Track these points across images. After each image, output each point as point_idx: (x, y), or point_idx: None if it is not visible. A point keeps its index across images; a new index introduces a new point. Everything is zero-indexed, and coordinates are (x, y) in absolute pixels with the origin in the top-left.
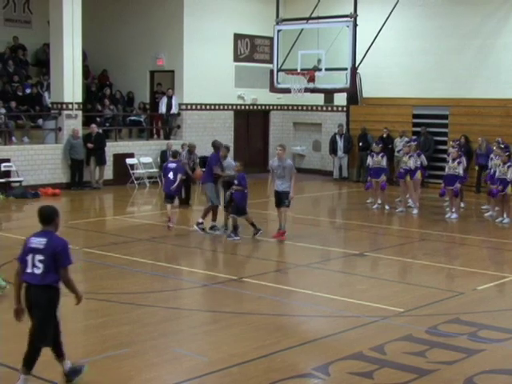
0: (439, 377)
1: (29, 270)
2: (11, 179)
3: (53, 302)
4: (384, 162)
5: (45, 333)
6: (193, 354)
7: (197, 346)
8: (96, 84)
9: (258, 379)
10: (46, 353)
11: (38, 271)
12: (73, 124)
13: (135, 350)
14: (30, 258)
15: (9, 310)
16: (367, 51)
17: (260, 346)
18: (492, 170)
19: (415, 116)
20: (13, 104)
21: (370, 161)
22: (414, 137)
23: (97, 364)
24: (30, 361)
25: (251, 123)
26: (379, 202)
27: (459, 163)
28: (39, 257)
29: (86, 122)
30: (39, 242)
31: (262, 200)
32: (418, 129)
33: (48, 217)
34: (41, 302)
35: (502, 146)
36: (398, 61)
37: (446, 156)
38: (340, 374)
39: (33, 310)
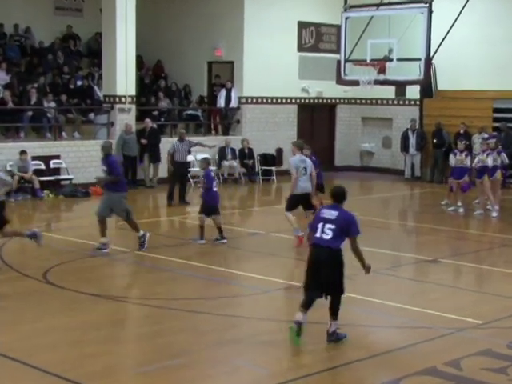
0: None
1: (318, 235)
2: (61, 177)
3: (338, 260)
4: (468, 162)
5: (339, 284)
6: (252, 366)
7: (257, 356)
8: (150, 76)
9: None
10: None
11: (326, 237)
12: (126, 118)
13: (190, 360)
14: (320, 225)
15: (57, 315)
16: (443, 40)
17: (325, 357)
18: None
19: (495, 110)
20: (63, 97)
21: (452, 159)
22: (494, 133)
23: (149, 375)
24: (336, 310)
25: (316, 118)
26: (459, 203)
27: None
28: (329, 225)
29: (140, 117)
30: (331, 214)
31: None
32: (498, 124)
33: (342, 195)
34: (329, 262)
35: None
36: (477, 50)
37: None
38: None
39: (321, 268)
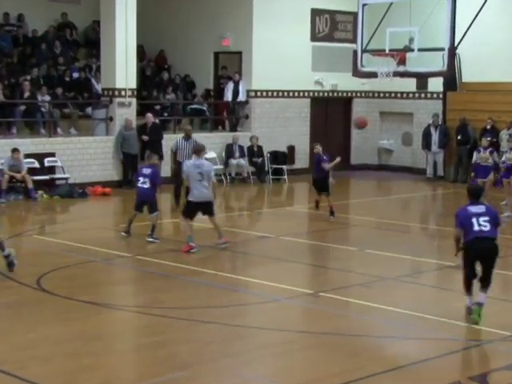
0: None
1: (476, 229)
2: (56, 176)
3: (498, 248)
4: (492, 159)
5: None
6: (260, 379)
7: (265, 369)
8: (152, 67)
9: None
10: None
11: (485, 229)
12: (126, 113)
13: (194, 373)
14: (474, 220)
15: (52, 325)
16: (468, 28)
17: (339, 371)
18: None
19: None
20: (58, 90)
21: (476, 157)
22: None
23: None
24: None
25: (330, 113)
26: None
27: None
28: (483, 218)
29: (141, 111)
30: (479, 208)
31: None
32: None
33: (480, 192)
34: (495, 250)
35: None
36: (505, 39)
37: None
38: None
39: (486, 257)
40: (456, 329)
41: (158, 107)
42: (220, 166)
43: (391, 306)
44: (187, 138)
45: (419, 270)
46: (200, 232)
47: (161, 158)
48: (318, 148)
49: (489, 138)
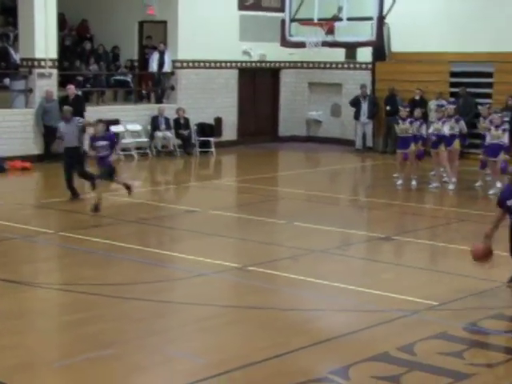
0: (479, 381)
1: None
2: None
3: None
4: (414, 129)
5: None
6: (187, 356)
7: (193, 345)
8: (74, 37)
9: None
10: None
11: None
12: (46, 85)
13: (120, 351)
14: None
15: None
16: None
17: (267, 345)
18: None
19: (453, 74)
20: None
21: (396, 128)
22: (452, 99)
23: (74, 368)
24: None
25: (258, 84)
26: (413, 176)
27: (504, 130)
28: None
29: (63, 83)
30: None
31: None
32: (456, 89)
33: None
34: None
35: None
36: (433, 9)
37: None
38: (362, 379)
39: None
40: (384, 300)
41: (80, 78)
42: (145, 139)
43: (320, 279)
44: (66, 120)
45: (348, 242)
46: (126, 207)
47: (84, 130)
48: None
49: (408, 109)
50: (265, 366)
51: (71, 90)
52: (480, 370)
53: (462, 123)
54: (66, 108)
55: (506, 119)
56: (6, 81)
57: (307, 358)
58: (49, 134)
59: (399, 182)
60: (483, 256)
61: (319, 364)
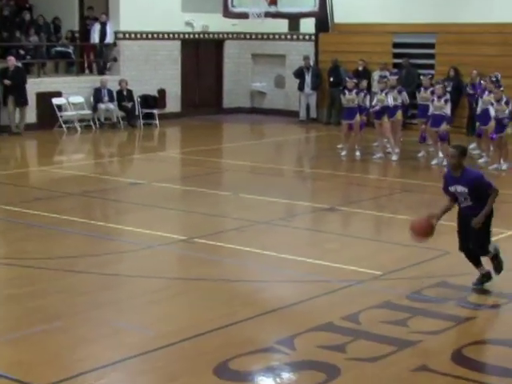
0: (423, 349)
1: None
2: None
3: None
4: (360, 100)
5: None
6: (135, 328)
7: (140, 318)
8: (11, 7)
9: (213, 355)
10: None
11: None
12: None
13: (66, 323)
14: None
15: None
16: None
17: (215, 316)
18: (480, 108)
19: (396, 45)
20: None
21: (342, 99)
22: (395, 70)
23: (22, 341)
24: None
25: (202, 55)
26: (356, 147)
27: (446, 101)
28: None
29: (2, 54)
30: None
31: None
32: (399, 60)
33: None
34: None
35: (494, 80)
36: None
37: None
38: (307, 348)
39: None
40: (329, 270)
41: (20, 50)
42: (88, 111)
43: (265, 250)
44: None
45: (293, 213)
46: (69, 180)
47: (25, 102)
48: None
49: (354, 80)
50: (213, 337)
51: (11, 61)
52: (424, 338)
53: (405, 94)
54: None
55: (448, 89)
56: None
57: (254, 329)
58: None
59: (343, 152)
60: (423, 234)
61: (265, 334)
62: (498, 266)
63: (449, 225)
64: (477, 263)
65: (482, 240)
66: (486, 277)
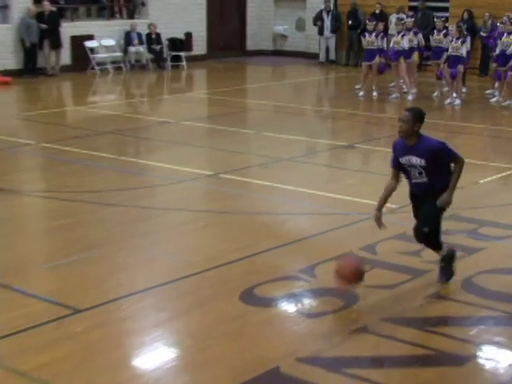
0: (435, 277)
1: None
2: None
3: None
4: (380, 42)
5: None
6: (167, 257)
7: (172, 247)
8: None
9: (239, 282)
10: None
11: None
12: (23, 1)
13: (105, 252)
14: None
15: None
16: None
17: (240, 247)
18: (499, 49)
19: None
20: None
21: (363, 41)
22: (411, 13)
23: (63, 268)
24: None
25: (226, 1)
26: (373, 87)
27: (463, 42)
28: None
29: None
30: None
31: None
32: (415, 3)
33: None
34: None
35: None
36: None
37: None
38: (327, 276)
39: None
40: (348, 204)
41: None
42: (119, 54)
43: (288, 185)
44: None
45: (313, 151)
46: (103, 119)
47: (60, 45)
48: None
49: (374, 22)
50: (238, 266)
51: (46, 6)
52: (435, 267)
53: (420, 36)
54: None
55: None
56: None
57: (277, 258)
58: (29, 49)
59: (361, 93)
60: (350, 276)
61: (288, 263)
62: (448, 271)
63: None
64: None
65: (432, 223)
66: (449, 256)
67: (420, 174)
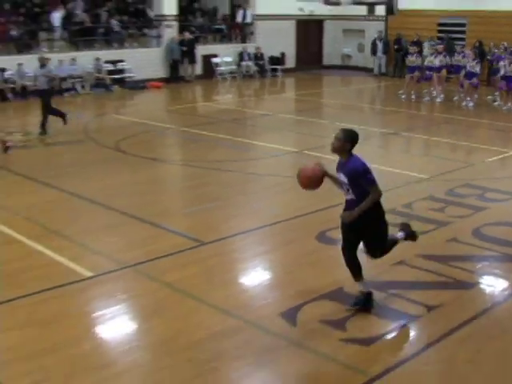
0: (454, 227)
1: None
2: (125, 75)
3: None
4: (419, 61)
5: None
6: (269, 208)
7: (268, 202)
8: (186, 0)
9: (315, 227)
10: (137, 198)
11: None
12: (170, 32)
13: (222, 204)
14: None
15: (126, 173)
16: None
17: (316, 202)
18: (502, 71)
19: (440, 24)
20: (125, 17)
21: (407, 61)
22: (439, 40)
23: (193, 214)
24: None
25: (309, 30)
26: (412, 92)
27: (477, 62)
28: None
29: (181, 31)
30: None
31: (317, 91)
32: (442, 35)
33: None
34: None
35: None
36: None
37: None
38: None
39: None
40: (393, 174)
41: (192, 28)
42: (235, 67)
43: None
44: (42, 65)
45: (369, 136)
46: (223, 111)
47: (195, 61)
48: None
49: (414, 47)
50: (315, 216)
51: (186, 35)
52: (454, 220)
53: (448, 57)
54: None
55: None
56: (145, 30)
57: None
58: (173, 64)
59: (403, 96)
60: (312, 180)
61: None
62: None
63: (475, 146)
64: (356, 273)
65: (382, 246)
66: (363, 299)
67: (348, 190)
